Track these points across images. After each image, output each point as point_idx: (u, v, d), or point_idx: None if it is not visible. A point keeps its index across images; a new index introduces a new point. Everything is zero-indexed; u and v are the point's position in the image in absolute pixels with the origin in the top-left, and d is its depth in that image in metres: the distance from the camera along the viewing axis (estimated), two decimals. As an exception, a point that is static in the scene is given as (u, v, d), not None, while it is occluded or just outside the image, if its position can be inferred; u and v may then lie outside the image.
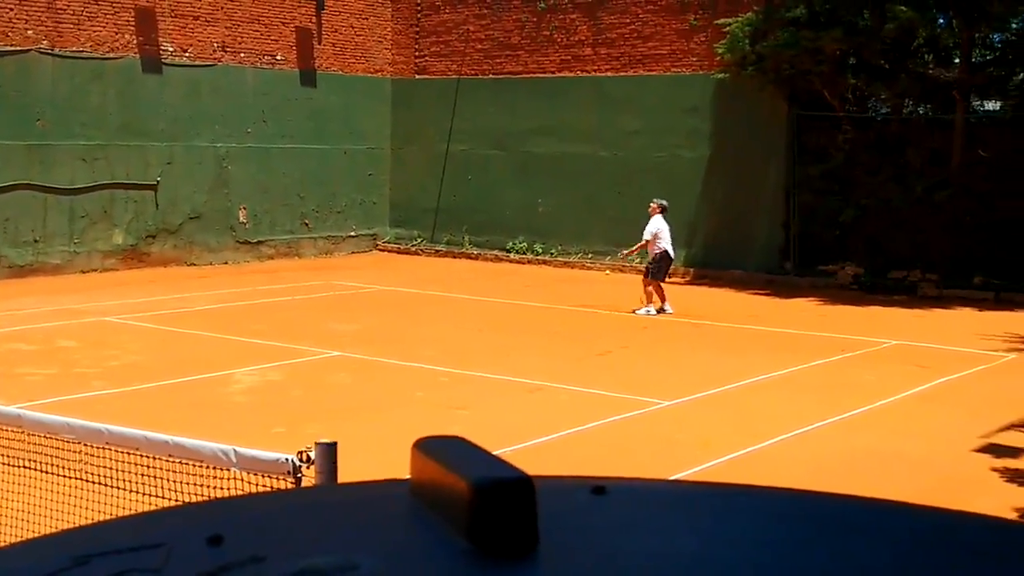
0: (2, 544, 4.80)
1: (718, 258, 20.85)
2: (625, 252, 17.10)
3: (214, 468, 4.73)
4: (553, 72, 23.15)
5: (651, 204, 16.84)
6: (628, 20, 22.24)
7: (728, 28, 19.93)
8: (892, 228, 19.26)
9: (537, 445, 9.04)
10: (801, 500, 1.21)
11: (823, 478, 8.37)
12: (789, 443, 9.33)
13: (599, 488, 1.17)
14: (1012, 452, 9.13)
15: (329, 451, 4.42)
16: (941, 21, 19.45)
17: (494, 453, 1.09)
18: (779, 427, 9.76)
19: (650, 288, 16.47)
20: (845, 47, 19.17)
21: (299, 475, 4.49)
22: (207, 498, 4.59)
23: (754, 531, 1.11)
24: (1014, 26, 19.40)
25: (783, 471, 8.46)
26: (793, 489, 1.22)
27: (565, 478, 1.24)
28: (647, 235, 16.57)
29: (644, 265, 16.98)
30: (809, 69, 19.16)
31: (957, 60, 19.65)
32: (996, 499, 7.78)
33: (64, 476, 5.20)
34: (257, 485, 4.63)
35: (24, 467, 5.37)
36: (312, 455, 4.44)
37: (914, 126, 19.92)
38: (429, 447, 1.11)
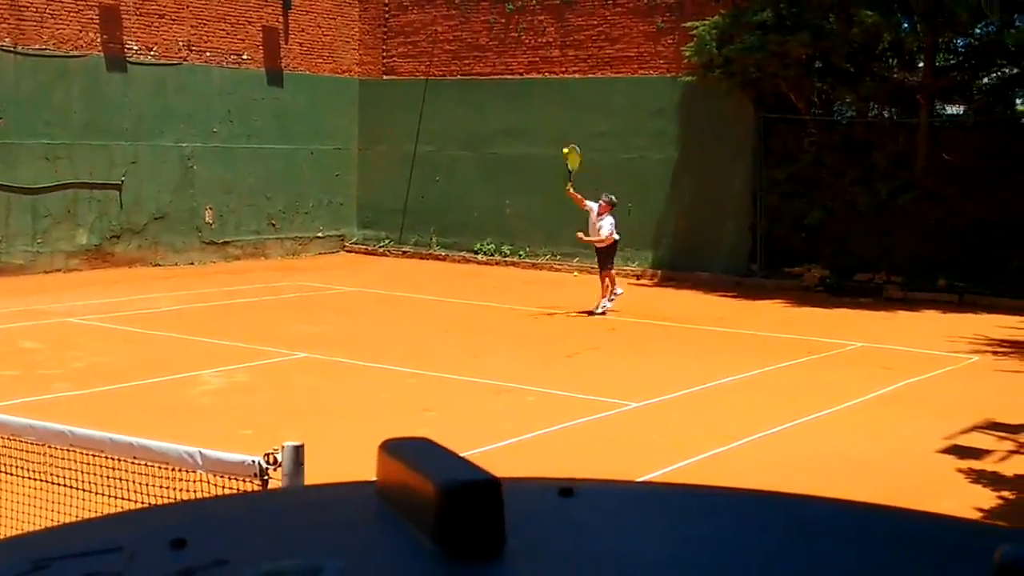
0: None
1: (685, 260, 20.92)
2: (585, 238, 16.66)
3: (180, 470, 4.69)
4: (521, 74, 23.16)
5: (602, 202, 16.69)
6: (596, 22, 22.29)
7: (695, 31, 20.02)
8: (858, 231, 19.42)
9: (505, 447, 9.03)
10: (768, 502, 1.21)
11: (790, 479, 8.41)
12: (757, 444, 9.37)
13: (566, 490, 1.17)
14: (976, 453, 9.22)
15: (296, 453, 4.39)
16: (906, 26, 19.64)
17: (461, 455, 1.08)
18: (747, 429, 9.81)
19: (607, 280, 16.46)
20: (811, 51, 19.32)
21: (266, 477, 4.45)
22: (173, 500, 4.55)
23: (721, 533, 1.11)
24: (978, 31, 19.62)
25: (751, 472, 8.49)
26: (760, 490, 1.22)
27: (532, 479, 1.24)
28: (611, 231, 16.39)
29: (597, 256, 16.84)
30: (776, 72, 19.29)
31: (921, 64, 19.85)
32: (961, 500, 7.85)
33: (28, 478, 5.13)
34: (224, 488, 4.59)
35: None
36: (279, 457, 4.40)
37: (879, 129, 20.10)
38: (395, 449, 1.11)
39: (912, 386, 11.97)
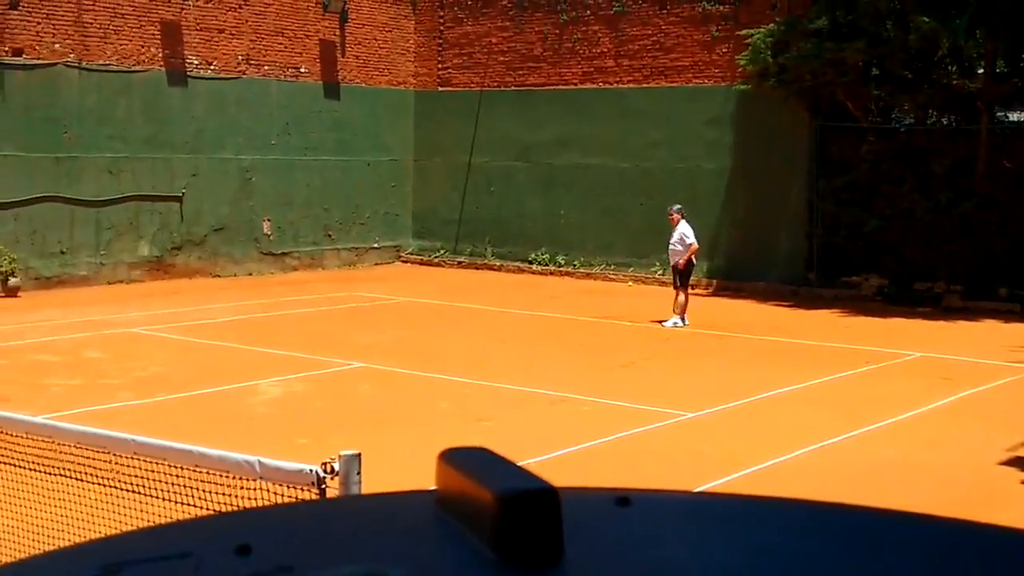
0: (36, 553, 4.85)
1: (740, 269, 20.80)
2: (682, 262, 16.41)
3: (240, 478, 4.77)
4: (575, 84, 23.19)
5: (672, 213, 16.69)
6: (650, 32, 22.26)
7: (750, 39, 19.91)
8: (916, 239, 19.17)
9: (560, 457, 9.05)
10: (827, 512, 1.21)
11: (847, 491, 8.33)
12: (813, 456, 9.29)
13: (623, 499, 1.17)
14: (1038, 465, 9.06)
15: (353, 462, 4.45)
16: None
17: (519, 464, 1.09)
18: (803, 440, 9.73)
19: (683, 297, 16.41)
20: (868, 58, 19.12)
21: (323, 486, 4.52)
22: (234, 507, 4.64)
23: (782, 544, 1.11)
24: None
25: (807, 484, 8.43)
26: (821, 502, 1.22)
27: (589, 489, 1.25)
28: (692, 240, 16.41)
29: (672, 273, 16.79)
30: (832, 80, 19.12)
31: (981, 71, 19.56)
32: (1023, 512, 7.72)
33: (97, 484, 5.25)
34: (282, 496, 4.66)
35: (59, 475, 5.42)
36: (336, 466, 4.46)
37: (938, 136, 19.82)
38: (454, 458, 1.12)
39: (973, 397, 11.79)
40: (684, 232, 16.42)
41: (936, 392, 11.87)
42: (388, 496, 1.28)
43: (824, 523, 1.17)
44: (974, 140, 19.13)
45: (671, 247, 16.60)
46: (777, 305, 18.90)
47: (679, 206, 16.85)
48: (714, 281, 20.90)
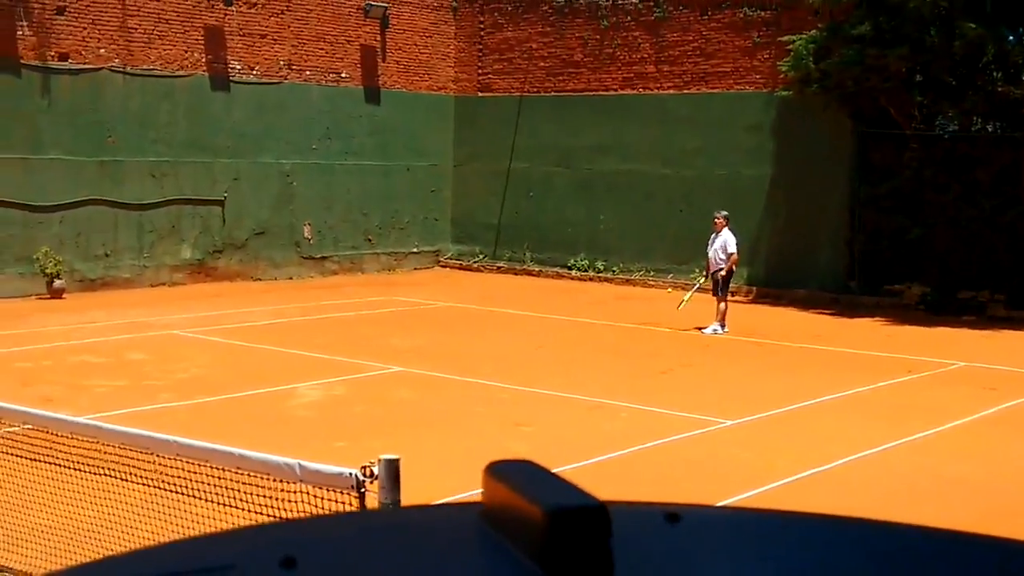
0: (94, 555, 4.90)
1: (781, 277, 20.66)
2: (723, 272, 16.32)
3: (280, 481, 4.80)
4: (616, 90, 23.16)
5: (718, 217, 16.61)
6: (691, 38, 22.19)
7: (792, 45, 19.78)
8: (960, 247, 18.95)
9: (599, 463, 9.03)
10: (882, 531, 1.19)
11: (887, 503, 8.25)
12: (853, 466, 9.21)
13: (673, 515, 1.16)
14: (1084, 477, 8.93)
15: (392, 466, 4.46)
16: (1011, 38, 19.13)
17: (567, 479, 1.08)
18: (843, 449, 9.64)
19: (723, 304, 16.35)
20: (911, 64, 18.93)
21: (363, 490, 4.54)
22: (274, 510, 4.67)
23: (833, 563, 1.09)
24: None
25: (848, 494, 8.36)
26: (873, 520, 1.21)
27: (638, 504, 1.23)
28: (733, 248, 16.35)
29: (709, 282, 16.71)
30: (874, 86, 18.95)
31: (1027, 77, 19.30)
32: (1067, 525, 7.61)
33: (141, 484, 5.31)
34: (322, 499, 4.69)
35: (103, 475, 5.49)
36: (375, 470, 4.48)
37: (983, 144, 19.59)
38: (500, 471, 1.10)
39: (1018, 408, 11.63)
40: (727, 240, 16.34)
41: (980, 402, 11.72)
42: (433, 508, 1.28)
43: (878, 542, 1.15)
44: (1019, 147, 18.89)
45: (712, 253, 16.51)
46: (818, 313, 18.76)
47: (725, 212, 16.76)
48: (754, 288, 20.78)
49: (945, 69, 18.97)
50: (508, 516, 1.05)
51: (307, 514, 4.66)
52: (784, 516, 1.24)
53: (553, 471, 1.09)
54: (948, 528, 1.18)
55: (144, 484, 5.30)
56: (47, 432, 5.72)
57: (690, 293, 16.68)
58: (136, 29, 19.99)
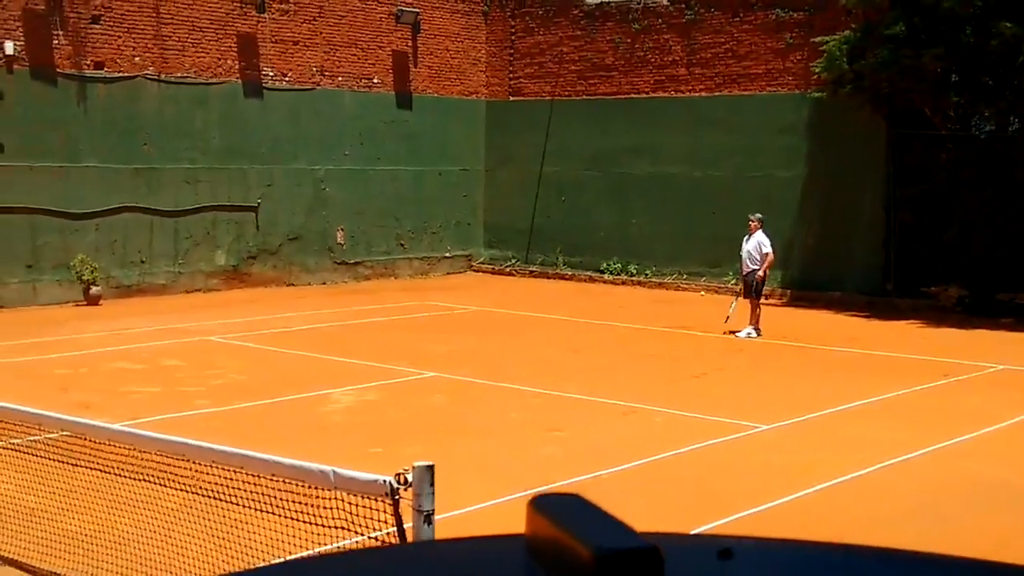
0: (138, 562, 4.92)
1: (816, 279, 20.53)
2: (760, 274, 16.25)
3: (315, 487, 4.82)
4: (647, 93, 23.10)
5: (752, 220, 16.50)
6: (723, 40, 22.09)
7: (825, 46, 19.62)
8: (998, 248, 18.74)
9: (633, 468, 8.99)
10: (934, 564, 1.15)
11: (924, 509, 8.17)
12: (889, 471, 9.12)
13: (725, 551, 1.13)
14: None
15: (427, 473, 4.46)
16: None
17: (614, 515, 1.03)
18: (880, 454, 9.56)
19: (758, 308, 16.25)
20: (947, 64, 18.75)
21: (397, 497, 4.54)
22: (309, 516, 4.68)
23: None
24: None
25: (885, 500, 8.28)
26: (924, 554, 1.17)
27: (688, 537, 1.19)
28: (769, 249, 16.26)
29: (741, 284, 16.59)
30: (909, 87, 18.79)
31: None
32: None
33: (179, 490, 5.34)
34: (356, 505, 4.69)
35: (141, 480, 5.53)
36: (409, 477, 4.48)
37: (1019, 144, 19.37)
38: (546, 506, 1.07)
39: (1057, 411, 11.48)
40: (761, 241, 16.24)
41: (1019, 406, 11.58)
42: (477, 541, 1.25)
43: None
44: (1058, 147, 18.66)
45: (746, 255, 16.40)
46: (853, 316, 18.61)
47: (760, 215, 16.66)
48: (788, 291, 20.66)
49: (981, 69, 18.77)
50: (554, 553, 1.02)
51: (341, 520, 4.66)
52: (840, 549, 1.20)
53: (601, 507, 1.06)
54: (1005, 563, 1.14)
55: (181, 490, 5.34)
56: (85, 439, 5.77)
57: (734, 304, 16.51)
58: (170, 37, 20.17)
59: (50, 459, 6.14)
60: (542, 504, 1.08)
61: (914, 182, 19.62)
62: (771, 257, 16.34)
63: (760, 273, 16.24)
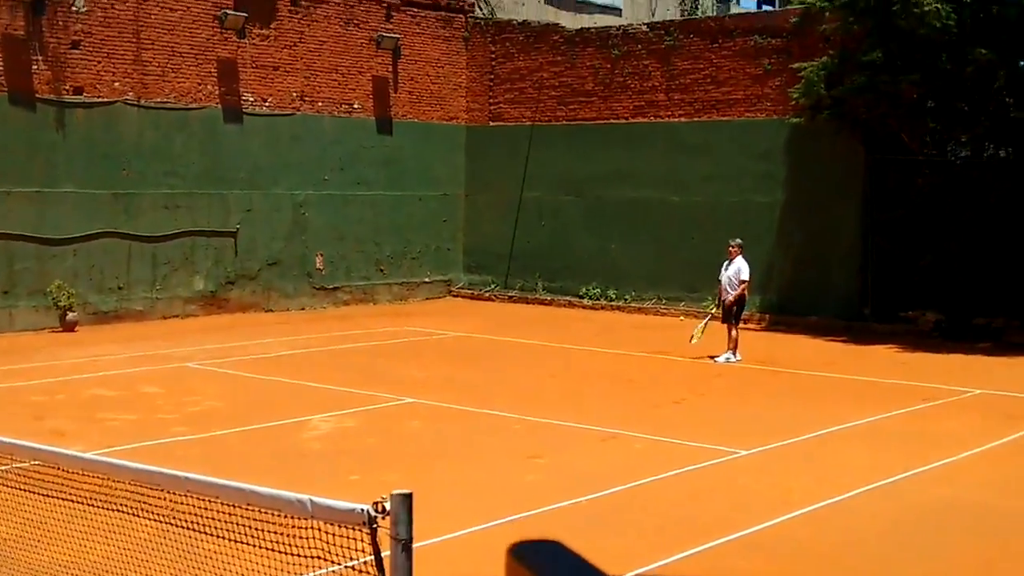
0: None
1: (794, 304, 20.60)
2: (730, 299, 16.23)
3: (292, 517, 4.76)
4: (627, 118, 23.20)
5: (732, 246, 16.54)
6: (702, 66, 22.23)
7: (803, 72, 19.78)
8: (974, 273, 18.86)
9: (613, 495, 8.95)
10: None
11: (904, 534, 8.17)
12: (870, 496, 9.12)
13: None
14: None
15: (405, 501, 4.42)
16: (1022, 63, 19.09)
17: (593, 564, 1.01)
18: (859, 479, 9.56)
19: (736, 332, 16.28)
20: (923, 90, 18.91)
21: (375, 525, 4.49)
22: (286, 546, 4.62)
23: None
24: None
25: (865, 524, 8.27)
26: None
27: None
28: (746, 276, 16.29)
29: (721, 310, 16.63)
30: (886, 113, 18.93)
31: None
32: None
33: (152, 520, 5.28)
34: (334, 535, 4.64)
35: (114, 510, 5.46)
36: (387, 505, 4.44)
37: (995, 169, 19.54)
38: (525, 555, 1.04)
39: (1035, 435, 11.52)
40: (741, 267, 16.29)
41: (998, 430, 11.62)
42: None
43: None
44: (1032, 173, 18.82)
45: (725, 280, 16.43)
46: (831, 340, 18.66)
47: (740, 240, 16.72)
48: (767, 316, 20.71)
49: (957, 95, 18.94)
50: None
51: (318, 550, 4.62)
52: None
53: (579, 555, 1.03)
54: None
55: (155, 520, 5.27)
56: (57, 468, 5.69)
57: (702, 325, 16.58)
58: (150, 62, 20.13)
59: (21, 489, 6.06)
60: (520, 553, 1.05)
61: (891, 207, 19.75)
62: (745, 285, 16.36)
63: (730, 299, 16.24)
